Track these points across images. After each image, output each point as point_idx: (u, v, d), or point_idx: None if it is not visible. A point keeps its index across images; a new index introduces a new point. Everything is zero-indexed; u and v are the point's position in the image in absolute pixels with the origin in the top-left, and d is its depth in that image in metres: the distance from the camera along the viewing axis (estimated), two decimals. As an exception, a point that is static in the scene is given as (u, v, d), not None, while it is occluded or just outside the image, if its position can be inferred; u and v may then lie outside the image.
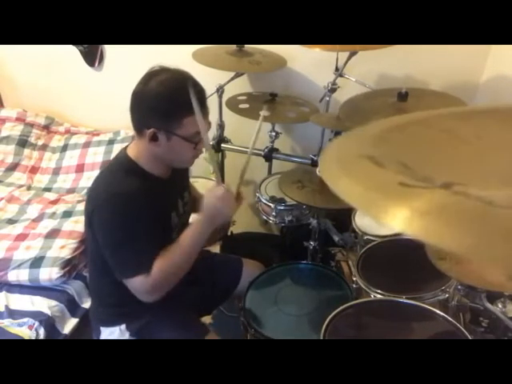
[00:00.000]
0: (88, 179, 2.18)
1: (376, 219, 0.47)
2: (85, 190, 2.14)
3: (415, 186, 0.50)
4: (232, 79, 1.89)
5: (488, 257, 0.41)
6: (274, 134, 1.94)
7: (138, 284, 1.14)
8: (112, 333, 1.35)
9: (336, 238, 1.73)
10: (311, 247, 1.80)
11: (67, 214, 1.92)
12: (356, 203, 0.54)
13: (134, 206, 1.12)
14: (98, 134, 2.35)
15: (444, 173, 0.56)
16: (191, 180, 1.45)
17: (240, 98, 1.95)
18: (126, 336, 1.34)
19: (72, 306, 1.66)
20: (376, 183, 0.54)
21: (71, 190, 2.17)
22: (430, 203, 0.47)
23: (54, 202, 2.04)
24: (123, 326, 1.33)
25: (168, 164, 1.23)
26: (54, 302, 1.62)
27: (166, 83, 1.10)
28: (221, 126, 1.99)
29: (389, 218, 0.46)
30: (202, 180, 1.98)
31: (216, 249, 1.93)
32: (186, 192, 1.39)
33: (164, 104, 1.10)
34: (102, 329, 1.36)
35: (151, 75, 1.12)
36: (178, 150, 1.17)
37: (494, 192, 0.49)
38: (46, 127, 2.42)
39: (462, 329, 1.07)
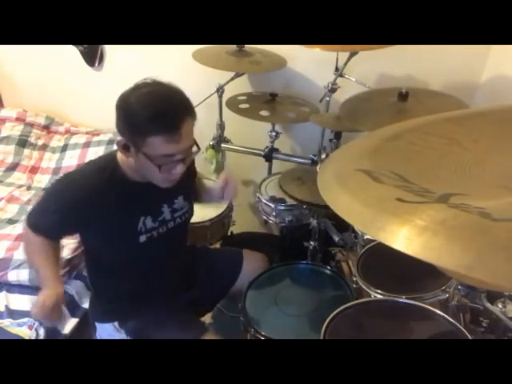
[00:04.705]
0: (88, 179, 2.18)
1: (376, 238, 0.48)
2: (85, 190, 2.14)
3: (412, 201, 0.50)
4: (232, 79, 1.89)
5: (488, 274, 0.40)
6: (274, 133, 1.94)
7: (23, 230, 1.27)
8: (105, 329, 1.36)
9: (336, 238, 1.72)
10: (311, 247, 1.80)
11: (67, 214, 1.92)
12: (355, 222, 0.54)
13: (75, 198, 1.15)
14: (98, 134, 2.34)
15: (442, 182, 0.56)
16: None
17: (240, 98, 1.95)
18: (122, 333, 1.35)
19: (72, 306, 1.66)
20: (373, 200, 0.53)
21: (71, 190, 2.17)
22: (427, 219, 0.46)
23: (54, 202, 2.04)
24: (116, 323, 1.34)
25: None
26: (54, 302, 1.62)
27: (141, 97, 1.06)
28: (221, 126, 1.99)
29: (388, 238, 0.46)
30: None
31: (216, 249, 1.93)
32: (180, 197, 1.32)
33: (132, 117, 1.06)
34: (96, 324, 1.38)
35: (137, 86, 1.09)
36: (145, 167, 1.12)
37: (493, 202, 0.48)
38: (46, 127, 2.42)
39: (462, 329, 1.07)
